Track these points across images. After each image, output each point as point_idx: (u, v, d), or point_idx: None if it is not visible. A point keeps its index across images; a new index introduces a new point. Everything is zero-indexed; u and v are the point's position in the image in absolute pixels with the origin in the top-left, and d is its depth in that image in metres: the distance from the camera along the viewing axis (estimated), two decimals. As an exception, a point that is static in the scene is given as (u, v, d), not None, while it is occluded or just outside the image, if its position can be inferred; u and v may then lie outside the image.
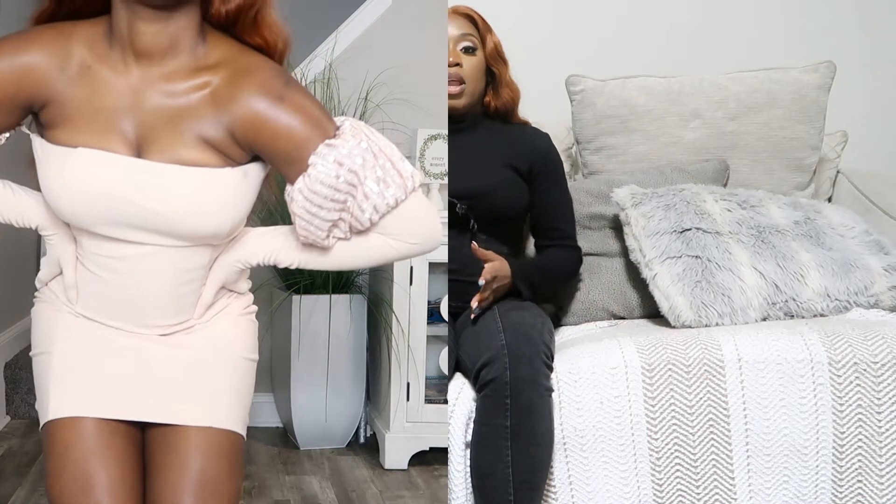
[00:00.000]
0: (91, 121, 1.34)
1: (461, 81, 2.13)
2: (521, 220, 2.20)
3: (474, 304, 1.95)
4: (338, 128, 1.40)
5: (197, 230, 1.38)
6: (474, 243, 1.96)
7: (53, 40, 1.34)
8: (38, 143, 1.38)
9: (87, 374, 1.43)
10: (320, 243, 1.44)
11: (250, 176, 1.40)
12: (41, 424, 1.44)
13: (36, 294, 1.55)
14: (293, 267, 1.51)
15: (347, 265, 1.50)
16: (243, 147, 1.37)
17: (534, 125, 2.30)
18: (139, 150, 1.36)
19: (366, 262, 1.50)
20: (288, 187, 1.40)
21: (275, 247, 1.50)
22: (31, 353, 1.52)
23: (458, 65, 2.12)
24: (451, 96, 2.14)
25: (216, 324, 1.52)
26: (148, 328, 1.46)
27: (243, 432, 1.49)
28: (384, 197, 1.40)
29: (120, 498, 1.37)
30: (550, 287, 2.16)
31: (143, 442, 1.46)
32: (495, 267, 1.97)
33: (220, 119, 1.35)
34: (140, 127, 1.35)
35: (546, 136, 2.25)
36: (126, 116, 1.35)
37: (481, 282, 1.94)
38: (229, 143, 1.36)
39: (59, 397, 1.41)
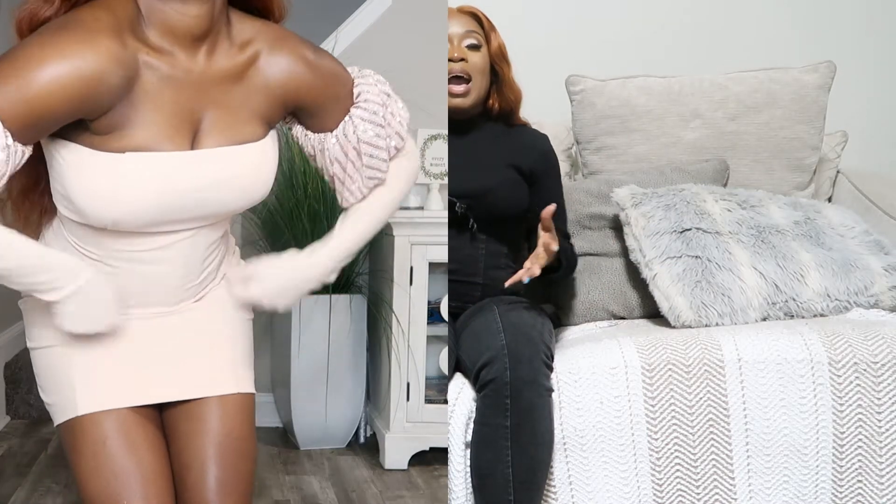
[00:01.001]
0: (147, 117, 1.32)
1: (466, 80, 2.11)
2: (520, 220, 2.20)
3: (536, 272, 1.86)
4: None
5: (248, 203, 1.44)
6: (552, 206, 1.86)
7: (116, 44, 1.26)
8: (66, 150, 1.32)
9: (109, 365, 1.44)
10: (383, 172, 1.57)
11: (275, 138, 1.48)
12: (62, 420, 1.43)
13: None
14: (360, 245, 1.66)
15: (391, 209, 1.67)
16: (288, 108, 1.47)
17: (534, 125, 2.30)
18: (195, 138, 1.36)
19: (399, 198, 1.67)
20: (342, 128, 1.52)
21: (338, 252, 1.61)
22: (30, 346, 1.50)
23: (462, 59, 2.11)
24: (457, 95, 2.12)
25: (221, 288, 1.55)
26: (174, 306, 1.48)
27: (254, 389, 1.55)
28: (402, 107, 1.59)
29: (159, 486, 1.40)
30: (569, 271, 2.17)
31: (161, 417, 1.49)
32: (555, 236, 1.92)
33: (270, 87, 1.42)
34: (195, 114, 1.36)
35: (545, 137, 2.25)
36: (181, 106, 1.34)
37: (555, 248, 1.87)
38: (278, 108, 1.45)
39: (87, 393, 1.41)
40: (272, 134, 1.47)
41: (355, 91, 1.53)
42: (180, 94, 1.34)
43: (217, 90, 1.37)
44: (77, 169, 1.31)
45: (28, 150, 1.28)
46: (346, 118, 1.53)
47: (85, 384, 1.42)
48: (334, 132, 1.53)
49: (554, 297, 2.36)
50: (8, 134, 1.23)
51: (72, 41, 1.24)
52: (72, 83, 1.23)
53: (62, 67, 1.22)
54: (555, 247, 1.86)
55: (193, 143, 1.36)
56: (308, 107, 1.49)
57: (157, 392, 1.46)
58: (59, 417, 1.44)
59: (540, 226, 1.89)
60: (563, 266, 2.06)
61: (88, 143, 1.31)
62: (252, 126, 1.42)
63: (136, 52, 1.29)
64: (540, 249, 1.87)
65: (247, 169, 1.41)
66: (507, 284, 1.90)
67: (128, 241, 1.39)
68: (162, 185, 1.33)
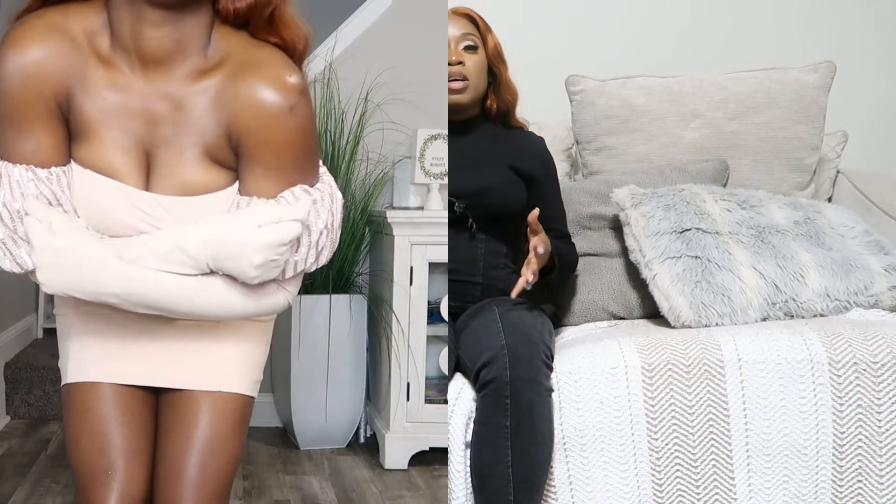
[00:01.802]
0: (101, 134, 1.31)
1: (464, 78, 2.12)
2: (519, 219, 2.20)
3: (530, 278, 1.88)
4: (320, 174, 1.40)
5: None
6: (536, 211, 1.90)
7: (52, 37, 1.27)
8: None
9: (105, 341, 1.46)
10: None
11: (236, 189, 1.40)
12: (62, 384, 1.50)
13: None
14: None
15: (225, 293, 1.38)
16: (231, 146, 1.33)
17: (533, 126, 2.30)
18: (147, 168, 1.34)
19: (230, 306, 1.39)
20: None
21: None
22: (54, 311, 1.56)
23: (460, 63, 2.12)
24: (454, 91, 2.13)
25: None
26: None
27: (252, 392, 1.53)
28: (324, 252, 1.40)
29: (134, 459, 1.42)
30: (567, 272, 2.18)
31: (156, 404, 1.51)
32: (543, 238, 1.94)
33: (222, 116, 1.31)
34: (145, 142, 1.33)
35: (542, 140, 2.26)
36: (133, 129, 1.32)
37: (541, 250, 1.90)
38: (225, 144, 1.33)
39: (78, 363, 1.46)
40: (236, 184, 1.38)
41: (286, 196, 1.33)
42: (132, 119, 1.32)
43: (171, 119, 1.32)
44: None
45: (64, 168, 1.31)
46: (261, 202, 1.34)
47: (77, 355, 1.46)
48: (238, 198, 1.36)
49: (554, 297, 2.36)
50: (33, 169, 1.28)
51: (10, 45, 1.27)
52: (15, 83, 1.26)
53: (10, 73, 1.26)
54: (541, 249, 1.89)
55: (148, 177, 1.35)
56: (241, 146, 1.32)
57: (146, 375, 1.47)
58: (62, 381, 1.50)
59: (528, 230, 1.93)
60: (557, 267, 2.06)
61: (73, 149, 1.34)
62: (201, 171, 1.33)
63: (87, 58, 1.29)
64: (530, 254, 1.91)
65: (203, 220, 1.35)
66: (513, 295, 1.92)
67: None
68: (114, 217, 1.33)
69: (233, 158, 1.34)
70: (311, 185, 1.36)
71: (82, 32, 1.29)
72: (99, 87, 1.30)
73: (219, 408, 1.48)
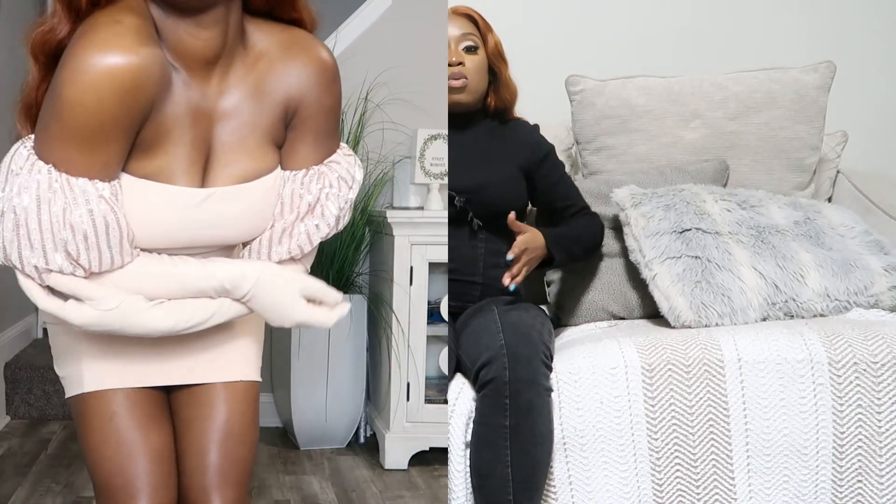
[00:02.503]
0: (167, 141, 1.30)
1: (464, 76, 2.13)
2: (520, 218, 2.20)
3: (506, 280, 1.93)
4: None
5: (251, 236, 1.42)
6: (512, 213, 1.94)
7: (147, 43, 1.22)
8: None
9: (120, 347, 1.45)
10: (309, 246, 1.45)
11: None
12: (71, 394, 1.47)
13: None
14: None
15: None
16: (287, 120, 1.39)
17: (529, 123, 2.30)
18: (205, 164, 1.34)
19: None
20: (307, 177, 1.42)
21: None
22: (48, 319, 1.52)
23: (460, 63, 2.12)
24: (454, 90, 2.13)
25: None
26: None
27: (259, 377, 1.56)
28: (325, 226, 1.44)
29: (163, 463, 1.42)
30: (584, 251, 2.18)
31: (168, 401, 1.51)
32: (525, 239, 1.96)
33: (277, 97, 1.36)
34: (207, 141, 1.33)
35: (535, 128, 2.25)
36: (195, 131, 1.32)
37: (510, 256, 1.92)
38: (281, 122, 1.39)
39: (94, 371, 1.44)
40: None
41: (336, 158, 1.44)
42: (197, 122, 1.32)
43: (231, 115, 1.34)
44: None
45: (118, 182, 1.29)
46: (314, 171, 1.42)
47: (91, 362, 1.44)
48: (294, 172, 1.42)
49: (554, 297, 2.36)
50: (96, 183, 1.25)
51: (91, 36, 1.20)
52: (112, 87, 1.19)
53: (101, 86, 1.19)
54: (510, 255, 1.93)
55: (204, 175, 1.35)
56: (299, 122, 1.40)
57: (163, 374, 1.47)
58: (69, 391, 1.48)
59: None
60: (556, 259, 2.06)
61: (132, 157, 1.31)
62: (261, 153, 1.38)
63: (167, 63, 1.26)
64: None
65: (259, 207, 1.39)
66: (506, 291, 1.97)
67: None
68: (168, 222, 1.33)
69: (284, 133, 1.41)
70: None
71: (156, 36, 1.26)
72: (173, 92, 1.29)
73: (239, 397, 1.50)
